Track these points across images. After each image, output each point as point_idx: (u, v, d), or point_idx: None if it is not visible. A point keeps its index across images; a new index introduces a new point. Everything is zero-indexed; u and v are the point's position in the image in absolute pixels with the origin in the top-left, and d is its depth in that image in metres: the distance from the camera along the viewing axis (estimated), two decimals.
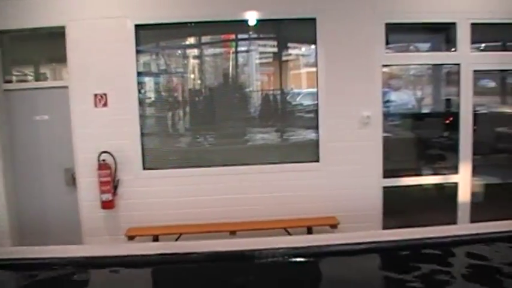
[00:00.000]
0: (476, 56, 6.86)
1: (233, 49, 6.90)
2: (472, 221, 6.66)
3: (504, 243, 3.98)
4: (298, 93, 7.14)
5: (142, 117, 6.53)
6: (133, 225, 6.31)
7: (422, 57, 7.42)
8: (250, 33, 6.77)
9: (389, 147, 7.34)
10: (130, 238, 6.15)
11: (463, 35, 6.61)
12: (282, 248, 3.88)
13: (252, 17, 6.40)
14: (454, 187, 6.84)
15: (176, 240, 5.99)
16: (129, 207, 6.43)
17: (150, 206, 6.41)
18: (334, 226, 6.25)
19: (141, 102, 6.50)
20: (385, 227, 6.40)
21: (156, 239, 6.11)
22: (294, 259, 3.83)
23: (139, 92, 6.50)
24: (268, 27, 6.74)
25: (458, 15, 6.59)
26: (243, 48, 6.95)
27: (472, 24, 6.65)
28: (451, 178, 6.86)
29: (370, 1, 6.42)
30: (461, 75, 6.64)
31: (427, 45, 8.43)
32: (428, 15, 6.61)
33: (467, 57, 6.62)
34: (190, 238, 5.71)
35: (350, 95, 6.43)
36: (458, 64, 6.71)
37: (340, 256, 3.86)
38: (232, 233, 6.14)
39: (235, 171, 6.44)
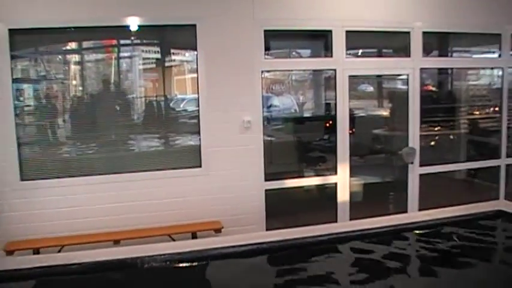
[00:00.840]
0: (351, 62, 7.19)
1: (115, 55, 6.79)
2: (351, 218, 6.94)
3: (383, 237, 4.16)
4: (183, 99, 7.14)
5: (21, 125, 6.25)
6: (12, 239, 6.03)
7: (300, 63, 7.68)
8: (133, 38, 6.68)
9: (272, 150, 7.52)
10: (9, 253, 5.88)
11: (339, 42, 6.90)
12: (165, 254, 3.86)
13: (133, 23, 6.32)
14: (334, 187, 7.10)
15: (58, 252, 5.80)
16: (7, 220, 6.14)
17: (30, 218, 6.14)
18: (218, 230, 6.30)
19: (18, 110, 6.22)
20: (268, 229, 6.54)
21: (37, 252, 5.89)
22: (178, 264, 3.83)
23: (18, 99, 6.24)
24: (150, 32, 6.69)
25: (334, 23, 6.86)
26: (125, 54, 6.85)
27: (347, 31, 6.93)
28: (331, 179, 7.12)
29: (249, 9, 6.54)
30: (338, 80, 6.91)
31: (308, 51, 8.73)
32: (305, 23, 6.82)
33: (343, 63, 6.91)
34: (74, 249, 5.55)
35: (231, 100, 6.51)
36: (334, 69, 6.94)
37: (224, 259, 3.90)
38: (116, 242, 6.03)
39: (118, 179, 6.33)
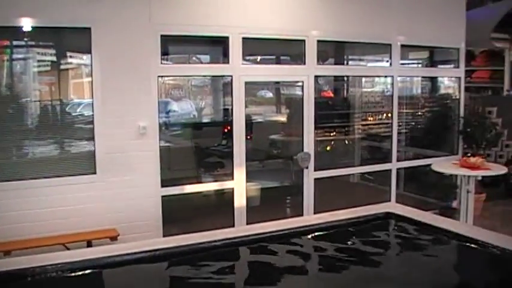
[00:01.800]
0: (248, 68, 7.27)
1: (8, 56, 6.50)
2: (248, 223, 6.99)
3: (278, 241, 4.20)
4: (79, 104, 6.94)
5: None
6: None
7: (197, 69, 7.69)
8: (27, 40, 6.42)
9: (170, 156, 7.47)
10: None
11: (235, 48, 6.94)
12: (57, 264, 3.71)
13: (27, 24, 6.07)
14: (231, 192, 7.13)
15: None
16: None
17: None
18: (114, 238, 6.17)
19: None
20: (165, 235, 6.47)
21: None
22: (71, 274, 3.70)
23: None
24: (45, 34, 6.45)
25: (231, 29, 6.90)
26: (19, 56, 6.56)
27: (244, 38, 6.99)
28: (227, 184, 7.14)
29: (145, 13, 6.45)
30: (234, 86, 6.95)
31: (208, 57, 8.77)
32: (203, 29, 6.81)
33: (239, 69, 6.96)
34: None
35: (127, 105, 6.39)
36: (231, 76, 6.99)
37: (119, 267, 3.81)
38: (7, 253, 5.76)
39: (9, 187, 6.05)
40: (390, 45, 8.33)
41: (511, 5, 10.08)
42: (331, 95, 10.44)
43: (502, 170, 7.66)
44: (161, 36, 6.55)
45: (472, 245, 3.90)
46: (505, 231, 8.20)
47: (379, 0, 8.21)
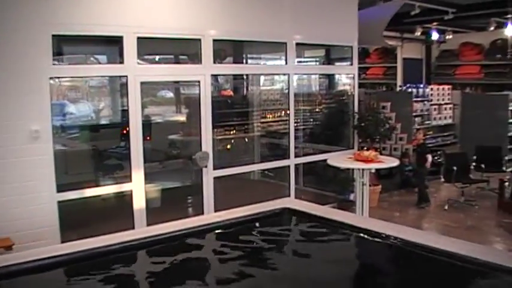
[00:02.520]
0: (143, 68, 7.19)
1: None
2: (149, 224, 6.91)
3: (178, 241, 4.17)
4: None
5: None
6: None
7: (91, 69, 7.52)
8: None
9: (67, 160, 7.28)
10: None
11: (130, 48, 6.82)
12: None
13: None
14: (130, 195, 7.03)
15: None
16: None
17: None
18: (8, 248, 5.92)
19: None
20: (63, 241, 6.28)
21: None
22: None
23: None
24: None
25: (125, 29, 6.78)
26: None
27: (139, 38, 6.88)
28: (126, 186, 7.03)
29: (36, 12, 6.20)
30: (129, 87, 6.83)
31: (105, 57, 8.58)
32: (97, 28, 6.64)
33: (134, 69, 6.85)
34: None
35: (17, 109, 6.13)
36: (126, 76, 6.87)
37: (15, 277, 3.66)
38: None
39: None
40: (285, 43, 8.49)
41: (402, 4, 10.52)
42: (231, 93, 10.51)
43: (394, 162, 8.01)
44: (53, 36, 6.33)
45: (366, 236, 4.03)
46: (401, 220, 8.69)
47: (275, 0, 8.35)
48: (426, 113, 13.87)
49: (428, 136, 12.92)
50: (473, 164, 10.44)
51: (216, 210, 7.31)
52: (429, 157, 10.07)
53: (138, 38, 6.88)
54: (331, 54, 11.20)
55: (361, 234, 4.09)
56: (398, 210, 9.91)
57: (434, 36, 16.19)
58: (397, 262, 3.89)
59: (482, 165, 10.24)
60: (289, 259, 4.01)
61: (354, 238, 4.21)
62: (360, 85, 10.54)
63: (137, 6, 6.93)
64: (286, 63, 8.65)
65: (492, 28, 15.00)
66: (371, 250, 4.13)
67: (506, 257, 3.49)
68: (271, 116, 10.41)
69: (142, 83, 6.93)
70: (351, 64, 9.76)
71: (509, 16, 12.73)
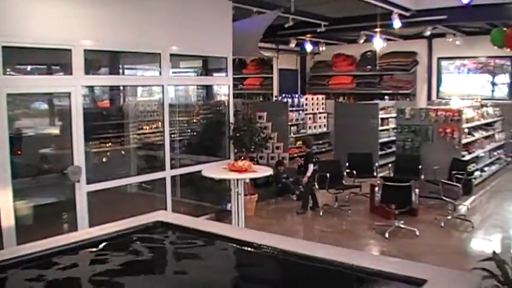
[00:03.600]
0: (10, 79, 6.82)
1: None
2: (20, 243, 6.58)
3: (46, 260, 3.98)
4: None
5: None
6: None
7: None
8: None
9: None
10: None
11: None
12: None
13: None
14: None
15: None
16: None
17: None
18: None
19: None
20: None
21: None
22: None
23: None
24: None
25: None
26: None
27: (4, 47, 6.56)
28: None
29: None
30: None
31: None
32: None
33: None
34: None
35: None
36: None
37: None
38: None
39: None
40: (160, 54, 8.46)
41: (275, 17, 10.82)
42: (108, 105, 10.28)
43: (268, 171, 8.18)
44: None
45: (240, 246, 4.08)
46: (278, 228, 8.91)
47: (149, 11, 8.29)
48: (301, 122, 14.26)
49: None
50: (347, 170, 10.88)
51: (91, 226, 7.12)
52: (311, 166, 10.31)
53: (3, 47, 6.55)
54: (208, 65, 11.29)
55: (234, 245, 4.13)
56: (274, 218, 10.14)
57: (308, 47, 16.81)
58: (271, 270, 3.97)
59: (354, 172, 10.70)
60: (162, 273, 3.98)
61: (225, 249, 4.24)
62: (238, 95, 10.74)
63: (5, 16, 6.61)
64: (160, 74, 8.61)
65: (362, 41, 15.82)
66: (243, 260, 4.19)
67: (376, 260, 3.68)
68: (148, 127, 10.30)
69: (9, 95, 6.60)
70: (226, 75, 9.88)
71: (377, 30, 13.46)
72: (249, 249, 3.99)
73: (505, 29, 8.73)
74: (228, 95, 10.02)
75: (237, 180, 7.80)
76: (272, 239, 4.10)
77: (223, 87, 10.30)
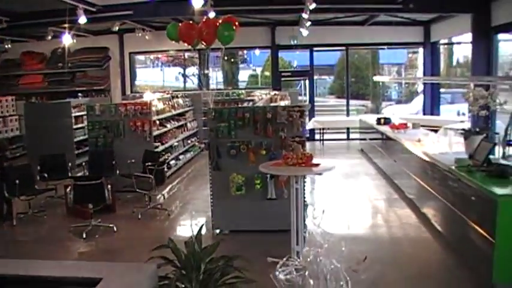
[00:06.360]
0: None
1: None
2: None
3: None
4: None
5: None
6: None
7: None
8: None
9: None
10: None
11: None
12: None
13: None
14: None
15: None
16: None
17: None
18: None
19: None
20: None
21: None
22: None
23: None
24: None
25: None
26: None
27: None
28: None
29: None
30: None
31: None
32: None
33: None
34: None
35: None
36: None
37: None
38: None
39: None
40: None
41: None
42: None
43: None
44: None
45: None
46: None
47: None
48: None
49: None
50: (40, 174, 10.34)
51: None
52: None
53: None
54: None
55: None
56: None
57: None
58: None
59: (46, 175, 10.22)
60: None
61: None
62: None
63: None
64: None
65: (50, 37, 15.31)
66: None
67: (53, 267, 3.57)
68: None
69: None
70: None
71: (65, 26, 13.07)
72: None
73: (180, 24, 9.12)
74: None
75: None
76: None
77: None
